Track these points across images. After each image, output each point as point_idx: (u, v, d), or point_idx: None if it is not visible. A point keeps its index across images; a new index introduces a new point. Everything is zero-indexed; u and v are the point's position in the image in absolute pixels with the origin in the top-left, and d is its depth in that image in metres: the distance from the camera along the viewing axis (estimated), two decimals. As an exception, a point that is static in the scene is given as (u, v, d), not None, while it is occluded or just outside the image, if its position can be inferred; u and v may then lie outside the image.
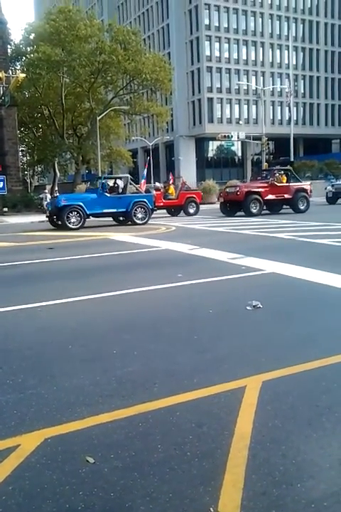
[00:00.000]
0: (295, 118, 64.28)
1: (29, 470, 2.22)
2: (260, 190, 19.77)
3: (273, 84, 66.06)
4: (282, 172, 21.32)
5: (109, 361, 3.59)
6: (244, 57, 67.12)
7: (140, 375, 3.31)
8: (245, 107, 67.70)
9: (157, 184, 25.59)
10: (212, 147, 70.09)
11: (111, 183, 18.86)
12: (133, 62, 38.66)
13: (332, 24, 72.21)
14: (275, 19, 68.60)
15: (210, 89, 65.42)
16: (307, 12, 70.70)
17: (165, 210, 23.03)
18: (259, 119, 57.61)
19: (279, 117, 69.77)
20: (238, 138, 47.37)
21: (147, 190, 21.05)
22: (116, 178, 19.70)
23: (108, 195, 17.57)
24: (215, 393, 2.94)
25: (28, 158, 54.94)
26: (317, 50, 71.66)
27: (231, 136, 46.46)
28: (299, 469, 2.14)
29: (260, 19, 67.69)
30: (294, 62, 66.01)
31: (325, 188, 28.68)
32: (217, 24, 65.00)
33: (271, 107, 68.75)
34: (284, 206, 21.38)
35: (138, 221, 17.61)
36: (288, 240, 10.80)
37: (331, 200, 26.91)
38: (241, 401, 2.81)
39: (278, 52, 69.27)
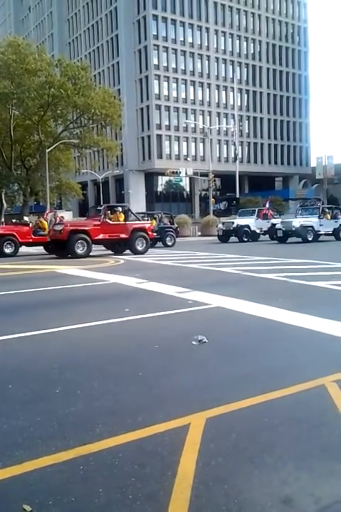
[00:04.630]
0: (240, 156, 66.64)
1: None
2: (88, 228, 18.00)
3: (219, 124, 68.49)
4: (120, 209, 19.89)
5: (51, 401, 3.47)
6: (192, 97, 69.29)
7: (83, 415, 3.22)
8: (193, 144, 69.53)
9: (25, 218, 23.71)
10: (161, 182, 71.12)
11: None
12: (83, 96, 38.92)
13: (274, 69, 76.36)
14: (221, 62, 71.66)
15: (159, 126, 66.81)
16: (250, 57, 74.44)
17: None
18: (206, 157, 59.29)
19: (225, 155, 72.08)
20: (186, 174, 48.51)
21: None
22: None
23: None
24: (159, 432, 2.90)
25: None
26: (261, 92, 75.27)
27: (180, 172, 47.52)
28: (241, 509, 2.13)
29: (207, 61, 70.46)
30: (239, 104, 68.98)
31: (216, 226, 28.97)
32: (165, 64, 66.98)
33: (218, 145, 71.02)
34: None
35: None
36: (234, 275, 11.03)
37: (222, 238, 26.80)
38: (185, 439, 2.78)
39: (223, 93, 72.08)
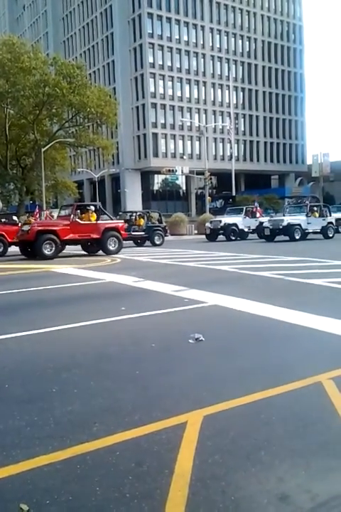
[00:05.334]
0: (236, 154, 66.67)
1: None
2: (56, 228, 17.36)
3: (215, 122, 68.48)
4: (92, 208, 19.22)
5: (48, 401, 3.47)
6: (187, 95, 69.24)
7: (79, 414, 3.21)
8: (188, 142, 69.48)
9: (14, 218, 23.16)
10: (158, 180, 71.07)
11: None
12: (78, 95, 38.86)
13: (269, 67, 76.39)
14: (216, 60, 71.62)
15: (155, 125, 66.75)
16: (246, 55, 74.42)
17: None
18: (202, 155, 59.27)
19: (221, 153, 72.09)
20: (182, 172, 48.44)
21: None
22: None
23: None
24: (156, 430, 2.90)
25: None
26: (256, 90, 75.31)
27: (176, 171, 47.46)
28: (238, 506, 2.14)
29: (202, 60, 70.40)
30: (234, 102, 68.94)
31: (204, 225, 28.73)
32: (160, 62, 66.87)
33: (213, 144, 71.00)
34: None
35: None
36: (230, 272, 11.04)
37: (210, 237, 26.45)
38: (182, 437, 2.79)
39: (219, 91, 72.07)
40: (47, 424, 3.06)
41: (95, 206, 19.75)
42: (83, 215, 18.71)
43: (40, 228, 17.31)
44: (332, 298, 7.45)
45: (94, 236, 18.11)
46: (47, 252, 16.91)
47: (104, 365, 4.31)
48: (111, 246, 18.32)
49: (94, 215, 18.76)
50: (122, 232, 19.01)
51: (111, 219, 20.22)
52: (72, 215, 17.93)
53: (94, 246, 18.86)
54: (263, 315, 6.10)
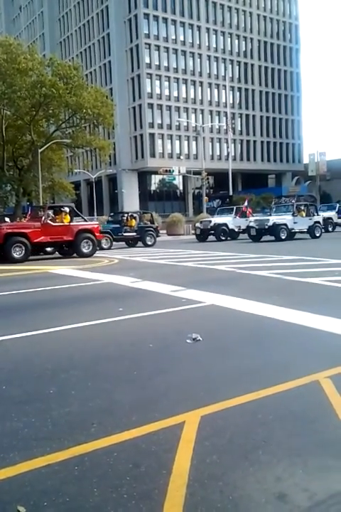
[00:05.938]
0: (233, 154, 66.73)
1: None
2: (26, 231, 16.72)
3: (211, 122, 68.56)
4: (67, 210, 18.66)
5: (46, 402, 3.46)
6: (184, 95, 69.28)
7: (77, 415, 3.21)
8: (185, 142, 69.50)
9: (7, 219, 22.47)
10: (155, 181, 71.09)
11: None
12: (75, 96, 38.79)
13: (265, 67, 76.50)
14: (212, 60, 71.68)
15: (152, 125, 66.76)
16: (242, 55, 74.50)
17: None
18: (199, 155, 59.37)
19: (218, 153, 72.13)
20: (179, 172, 48.46)
21: None
22: None
23: None
24: (154, 431, 2.90)
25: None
26: (253, 90, 75.40)
27: (173, 171, 47.47)
28: (236, 506, 2.14)
29: (198, 60, 70.45)
30: (231, 101, 69.00)
31: (194, 225, 28.41)
32: (157, 63, 66.91)
33: (210, 143, 71.06)
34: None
35: None
36: (228, 272, 11.05)
37: (200, 237, 26.33)
38: (180, 437, 2.79)
39: (215, 91, 72.14)
40: (45, 425, 3.06)
41: (69, 207, 19.35)
42: (56, 216, 18.30)
43: (8, 230, 16.60)
44: (330, 296, 7.46)
45: (67, 238, 17.64)
46: (16, 255, 16.26)
47: (102, 366, 4.31)
48: (85, 248, 17.84)
49: (68, 216, 18.30)
50: (97, 233, 18.57)
51: (85, 221, 19.94)
52: (43, 217, 17.42)
53: (69, 248, 18.48)
54: (260, 314, 6.10)
